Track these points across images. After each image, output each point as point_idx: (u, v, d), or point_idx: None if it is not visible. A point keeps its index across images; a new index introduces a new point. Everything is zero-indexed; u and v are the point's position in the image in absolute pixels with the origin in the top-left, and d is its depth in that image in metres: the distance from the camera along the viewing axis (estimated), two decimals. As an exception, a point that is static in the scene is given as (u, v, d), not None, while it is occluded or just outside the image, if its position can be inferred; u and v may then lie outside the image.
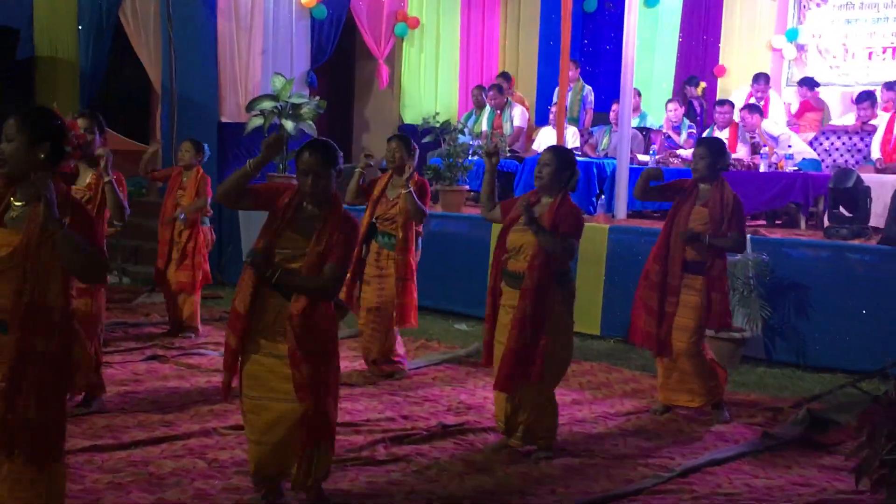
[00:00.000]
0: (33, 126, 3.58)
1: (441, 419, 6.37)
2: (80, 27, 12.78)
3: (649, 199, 6.55)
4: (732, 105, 11.44)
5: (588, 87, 13.10)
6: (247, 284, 4.54)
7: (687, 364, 6.41)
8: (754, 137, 10.99)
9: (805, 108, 12.52)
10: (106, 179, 6.10)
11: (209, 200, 8.74)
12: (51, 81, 12.60)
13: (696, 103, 12.97)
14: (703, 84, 13.37)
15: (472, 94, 13.99)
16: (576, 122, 12.77)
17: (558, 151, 5.78)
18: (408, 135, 8.09)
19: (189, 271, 8.65)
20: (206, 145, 9.02)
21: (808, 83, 12.34)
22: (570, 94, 12.67)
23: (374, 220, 7.41)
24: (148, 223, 10.06)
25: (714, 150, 6.35)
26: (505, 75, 14.24)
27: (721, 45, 13.65)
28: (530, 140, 12.99)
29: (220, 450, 5.61)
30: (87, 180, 6.09)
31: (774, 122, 11.33)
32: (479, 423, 6.35)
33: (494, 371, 5.64)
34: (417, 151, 7.48)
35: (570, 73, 12.68)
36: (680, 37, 13.94)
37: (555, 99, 12.09)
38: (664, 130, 12.18)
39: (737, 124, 11.15)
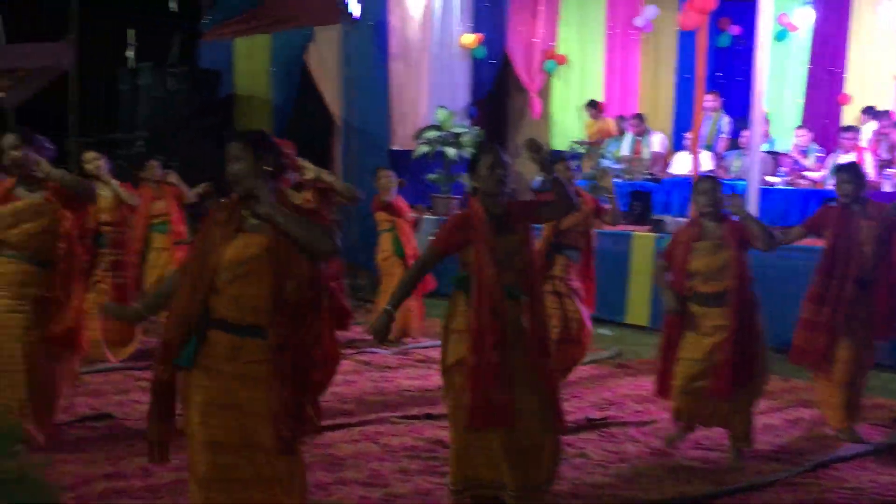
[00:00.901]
0: (255, 145, 3.48)
1: (586, 413, 6.33)
2: (272, 69, 13.23)
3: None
4: (857, 131, 11.03)
5: (726, 118, 12.72)
6: (495, 298, 4.14)
7: (845, 374, 5.94)
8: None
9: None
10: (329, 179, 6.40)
11: None
12: (247, 116, 13.08)
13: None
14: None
15: (615, 122, 13.81)
16: (710, 148, 12.46)
17: (716, 179, 5.66)
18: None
19: None
20: None
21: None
22: (708, 122, 12.37)
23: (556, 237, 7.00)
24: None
25: (857, 175, 6.07)
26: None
27: (846, 75, 13.15)
28: (666, 164, 12.75)
29: (391, 436, 5.70)
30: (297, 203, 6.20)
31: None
32: (620, 417, 6.29)
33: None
34: None
35: (712, 104, 12.33)
36: (809, 67, 13.47)
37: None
38: (793, 154, 11.82)
39: (861, 148, 10.74)
